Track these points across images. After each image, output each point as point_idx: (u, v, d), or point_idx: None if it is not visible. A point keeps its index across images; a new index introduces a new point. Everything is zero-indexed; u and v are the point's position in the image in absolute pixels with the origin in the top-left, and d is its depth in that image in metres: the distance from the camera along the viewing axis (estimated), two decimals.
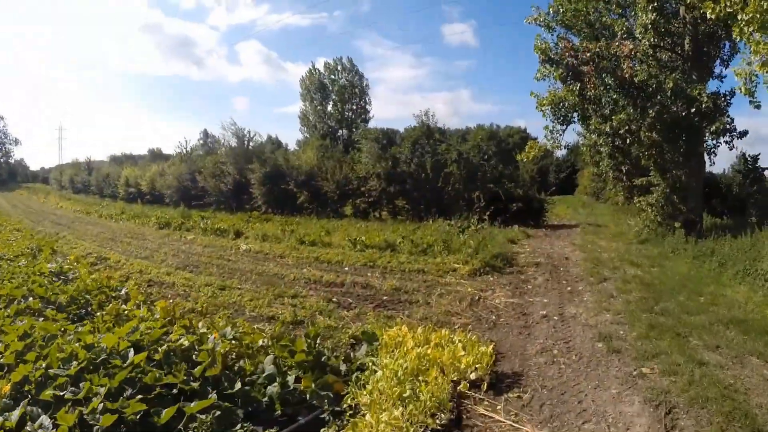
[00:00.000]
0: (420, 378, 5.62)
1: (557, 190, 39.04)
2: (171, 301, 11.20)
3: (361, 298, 10.84)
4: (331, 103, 44.56)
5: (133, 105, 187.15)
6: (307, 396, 5.59)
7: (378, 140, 27.00)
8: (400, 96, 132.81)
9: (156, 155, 42.15)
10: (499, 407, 5.48)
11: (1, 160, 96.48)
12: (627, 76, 16.16)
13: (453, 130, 32.41)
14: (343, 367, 6.48)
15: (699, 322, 8.20)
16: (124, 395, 5.29)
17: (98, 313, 8.90)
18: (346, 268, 14.03)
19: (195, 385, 5.78)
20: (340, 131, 40.35)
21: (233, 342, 7.08)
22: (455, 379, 5.89)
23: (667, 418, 5.13)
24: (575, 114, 18.59)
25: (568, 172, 51.14)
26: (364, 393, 5.36)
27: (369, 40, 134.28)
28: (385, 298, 10.75)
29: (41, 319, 8.46)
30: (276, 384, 5.84)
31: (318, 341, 6.67)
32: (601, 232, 20.67)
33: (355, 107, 43.19)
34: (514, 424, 5.07)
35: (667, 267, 12.79)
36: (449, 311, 9.45)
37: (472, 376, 5.91)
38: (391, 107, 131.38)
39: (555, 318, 8.99)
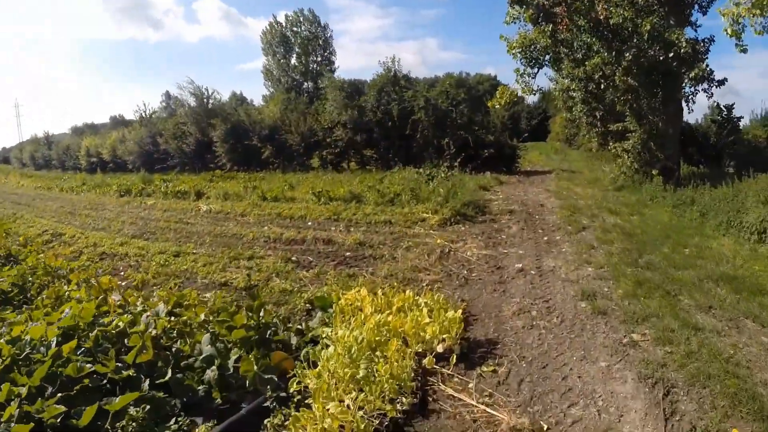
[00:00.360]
0: (378, 352, 4.74)
1: (529, 137, 38.03)
2: (123, 273, 10.34)
3: (323, 255, 9.96)
4: (294, 56, 42.19)
5: (91, 73, 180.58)
6: (247, 381, 4.71)
7: (343, 89, 25.44)
8: (367, 46, 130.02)
9: (118, 122, 40.11)
10: (470, 385, 4.65)
11: None
12: (602, 18, 15.07)
13: (421, 79, 30.92)
14: (294, 341, 5.62)
15: (687, 278, 7.36)
16: (46, 394, 4.45)
17: (38, 298, 7.90)
18: (309, 223, 13.11)
19: (128, 372, 4.90)
20: (306, 84, 38.27)
21: (172, 319, 6.16)
22: (420, 350, 5.03)
23: (665, 400, 4.32)
24: (547, 57, 17.62)
25: (540, 118, 49.89)
26: (312, 375, 4.47)
27: None
28: (348, 254, 9.87)
29: None
30: (214, 368, 4.96)
31: (263, 313, 5.75)
32: (575, 179, 19.83)
33: (319, 59, 41.03)
34: (487, 409, 4.22)
35: (647, 215, 12.02)
36: (417, 266, 8.57)
37: (440, 348, 5.04)
38: (358, 58, 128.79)
39: (532, 272, 8.12)
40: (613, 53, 15.70)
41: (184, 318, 6.12)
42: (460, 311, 5.68)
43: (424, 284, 7.56)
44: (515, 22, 17.11)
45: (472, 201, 13.39)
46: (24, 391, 4.38)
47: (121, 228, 15.45)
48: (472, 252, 9.36)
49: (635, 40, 15.17)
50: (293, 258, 9.84)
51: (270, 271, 9.00)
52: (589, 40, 16.13)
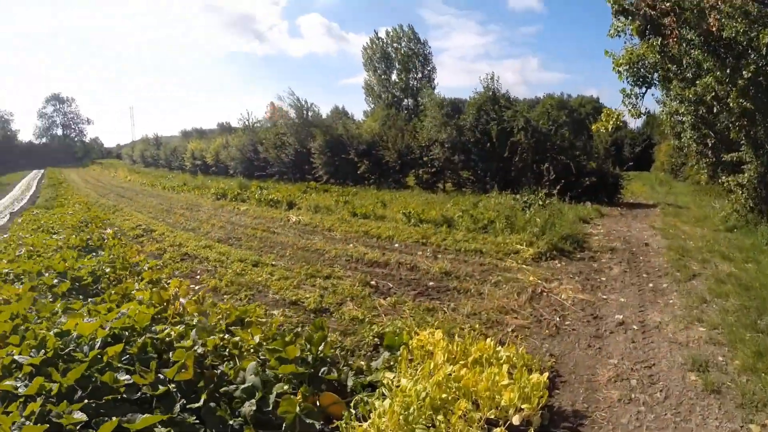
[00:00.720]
0: (441, 416, 3.88)
1: (633, 166, 35.17)
2: (198, 276, 10.24)
3: (404, 282, 9.19)
4: (395, 72, 41.82)
5: (202, 81, 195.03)
6: (284, 423, 4.07)
7: (443, 106, 24.65)
8: (467, 64, 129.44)
9: (225, 129, 41.69)
10: None
11: (76, 138, 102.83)
12: (714, 29, 13.26)
13: (521, 99, 29.05)
14: (350, 381, 4.91)
15: None
16: (75, 397, 4.26)
17: (106, 292, 7.75)
18: (396, 245, 12.39)
19: (166, 388, 4.48)
20: (406, 101, 37.52)
21: (226, 337, 5.67)
22: (492, 417, 4.12)
23: None
24: (655, 75, 15.78)
25: (644, 146, 45.80)
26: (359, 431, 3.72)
27: (432, 9, 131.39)
28: (431, 284, 9.04)
29: (49, 297, 7.70)
30: (253, 401, 4.36)
31: (323, 346, 5.09)
32: (682, 215, 17.59)
33: (419, 76, 40.25)
34: None
35: (764, 264, 10.06)
36: (504, 307, 7.56)
37: (516, 419, 4.03)
38: (458, 76, 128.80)
39: (634, 327, 6.86)
40: (727, 71, 13.69)
41: (236, 339, 5.59)
42: (546, 375, 4.63)
43: (510, 329, 6.58)
44: (620, 35, 15.42)
45: (570, 234, 12.11)
46: (55, 388, 4.25)
47: (209, 231, 15.64)
48: (567, 295, 8.19)
49: (752, 56, 13.17)
50: (372, 282, 9.15)
51: (345, 294, 8.38)
52: (699, 56, 14.23)
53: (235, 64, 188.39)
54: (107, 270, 9.47)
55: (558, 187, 18.51)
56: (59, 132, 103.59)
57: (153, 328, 5.76)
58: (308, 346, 5.07)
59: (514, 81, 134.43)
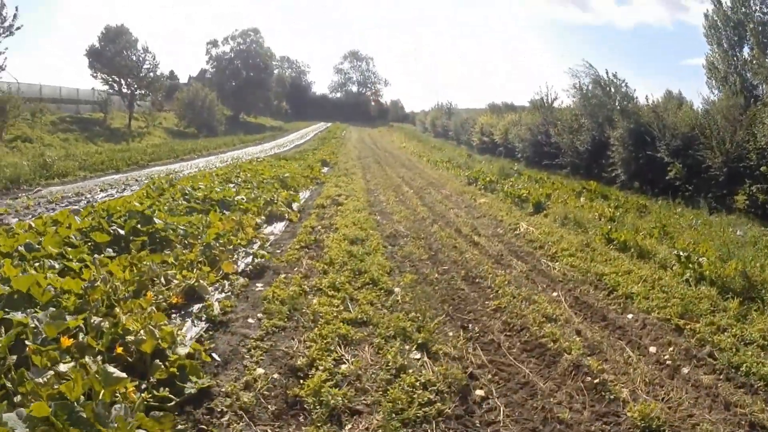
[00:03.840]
0: None
1: None
2: (282, 275, 7.98)
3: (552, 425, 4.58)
4: (747, 47, 31.01)
5: (515, 51, 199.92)
6: None
7: None
8: None
9: (537, 106, 37.67)
10: None
11: (371, 98, 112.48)
12: None
13: None
14: None
15: None
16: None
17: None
18: (627, 317, 7.08)
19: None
20: (763, 87, 27.13)
21: None
22: None
23: None
24: None
25: None
26: None
27: None
28: None
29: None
30: None
31: None
32: None
33: None
34: None
35: None
36: None
37: None
38: None
39: None
40: None
41: None
42: None
43: None
44: None
45: None
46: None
47: (400, 220, 13.30)
48: None
49: None
50: (479, 394, 4.93)
51: (394, 399, 4.61)
52: None
53: (553, 34, 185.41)
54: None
55: None
56: (354, 89, 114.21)
57: None
58: None
59: None
